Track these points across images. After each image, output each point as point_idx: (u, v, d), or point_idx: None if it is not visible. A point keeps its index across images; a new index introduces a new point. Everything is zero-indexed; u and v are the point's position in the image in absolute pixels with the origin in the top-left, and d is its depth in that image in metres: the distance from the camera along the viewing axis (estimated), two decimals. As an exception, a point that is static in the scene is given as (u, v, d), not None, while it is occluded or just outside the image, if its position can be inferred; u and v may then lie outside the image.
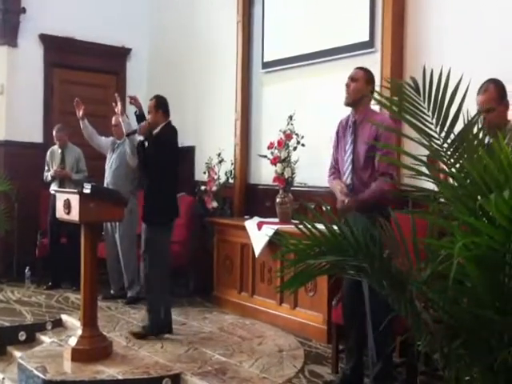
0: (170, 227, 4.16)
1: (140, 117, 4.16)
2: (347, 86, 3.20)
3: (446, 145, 1.72)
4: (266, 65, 5.56)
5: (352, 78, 3.21)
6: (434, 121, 1.74)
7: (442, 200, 1.67)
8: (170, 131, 4.14)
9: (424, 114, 1.75)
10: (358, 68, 3.31)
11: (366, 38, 4.59)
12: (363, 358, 3.18)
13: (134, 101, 4.21)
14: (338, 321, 3.42)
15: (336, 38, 4.83)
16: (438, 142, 1.74)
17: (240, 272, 4.91)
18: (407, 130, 1.98)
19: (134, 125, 4.36)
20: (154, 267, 4.05)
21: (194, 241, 5.68)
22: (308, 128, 4.77)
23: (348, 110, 3.31)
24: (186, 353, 3.75)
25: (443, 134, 1.74)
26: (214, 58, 6.16)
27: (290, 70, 5.29)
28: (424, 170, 1.72)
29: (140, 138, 4.17)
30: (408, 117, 1.74)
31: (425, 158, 1.72)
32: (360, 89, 3.17)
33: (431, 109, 1.75)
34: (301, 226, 1.61)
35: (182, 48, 6.65)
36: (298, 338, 4.10)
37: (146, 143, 4.12)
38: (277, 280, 4.50)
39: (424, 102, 1.76)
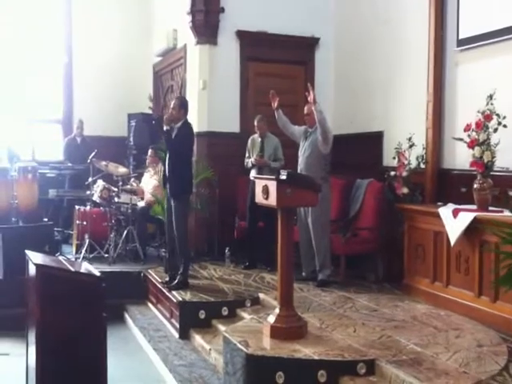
0: (187, 199, 5.29)
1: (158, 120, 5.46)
2: None
3: None
4: (461, 42, 5.23)
5: None
6: None
7: None
8: (188, 126, 5.24)
9: None
10: None
11: None
12: None
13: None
14: (549, 319, 3.13)
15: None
16: None
17: (433, 261, 4.74)
18: None
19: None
20: (182, 235, 5.16)
21: (383, 227, 5.63)
22: (510, 108, 4.39)
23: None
24: (379, 339, 3.74)
25: None
26: (403, 40, 5.97)
27: (490, 46, 4.90)
28: None
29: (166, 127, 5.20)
30: None
31: None
32: None
33: None
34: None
35: (368, 33, 6.57)
36: (500, 334, 3.83)
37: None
38: (475, 270, 4.27)
39: None
